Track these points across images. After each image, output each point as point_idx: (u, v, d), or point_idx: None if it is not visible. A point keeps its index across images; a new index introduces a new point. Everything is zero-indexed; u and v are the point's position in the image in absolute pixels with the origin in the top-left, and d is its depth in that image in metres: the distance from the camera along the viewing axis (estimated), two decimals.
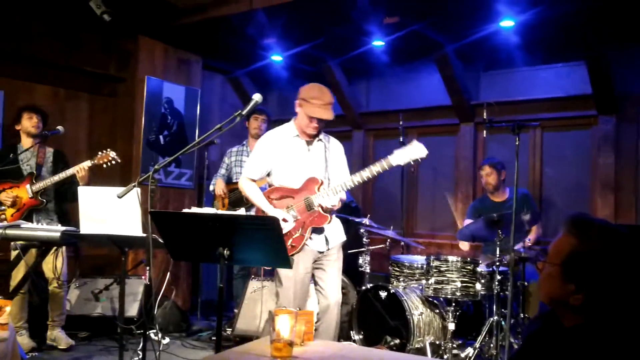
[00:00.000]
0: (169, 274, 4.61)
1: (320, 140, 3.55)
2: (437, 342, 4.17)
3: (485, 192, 5.14)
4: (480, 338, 4.08)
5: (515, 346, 4.01)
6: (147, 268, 2.84)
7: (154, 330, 4.31)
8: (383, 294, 4.31)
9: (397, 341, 4.17)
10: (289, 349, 2.03)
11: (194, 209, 3.83)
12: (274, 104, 7.38)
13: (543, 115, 5.56)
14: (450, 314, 4.09)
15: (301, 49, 5.85)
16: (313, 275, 3.55)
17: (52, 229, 3.49)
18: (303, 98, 3.38)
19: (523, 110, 5.64)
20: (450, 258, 4.14)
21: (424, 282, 4.23)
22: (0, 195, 4.31)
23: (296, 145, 3.50)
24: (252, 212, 3.86)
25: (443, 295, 4.12)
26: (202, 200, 6.23)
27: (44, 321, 4.50)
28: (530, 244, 4.36)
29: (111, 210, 3.28)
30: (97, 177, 4.70)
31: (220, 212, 4.13)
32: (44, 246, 3.63)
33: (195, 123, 6.23)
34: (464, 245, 5.07)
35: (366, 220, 4.81)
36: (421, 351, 4.08)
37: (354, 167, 6.60)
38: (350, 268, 4.93)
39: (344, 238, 3.63)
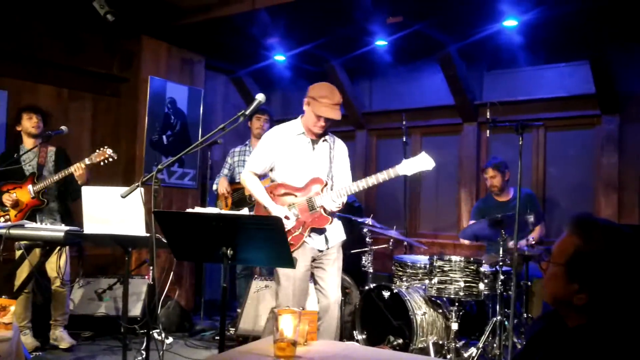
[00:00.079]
0: (172, 273, 4.61)
1: (326, 140, 3.55)
2: (440, 342, 4.17)
3: (490, 192, 5.14)
4: (483, 338, 4.08)
5: (519, 346, 4.00)
6: (151, 268, 2.84)
7: (157, 330, 4.31)
8: (386, 294, 4.31)
9: (400, 341, 4.17)
10: (293, 349, 2.03)
11: (198, 209, 3.83)
12: (277, 103, 7.39)
13: (546, 115, 5.56)
14: (454, 314, 4.09)
15: (304, 49, 5.85)
16: (313, 274, 3.55)
17: (55, 229, 3.50)
18: (312, 97, 3.38)
19: (526, 110, 5.63)
20: (454, 258, 4.14)
21: (427, 282, 4.22)
22: (2, 196, 4.32)
23: (301, 143, 3.50)
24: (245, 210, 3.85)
25: (446, 295, 4.11)
26: (206, 200, 6.24)
27: (47, 321, 4.51)
28: (533, 242, 4.35)
29: (115, 210, 3.28)
30: (101, 177, 4.72)
31: (223, 211, 4.13)
32: (48, 246, 3.64)
33: (199, 123, 6.23)
34: (465, 240, 5.05)
35: (369, 220, 4.81)
36: (424, 351, 4.07)
37: (357, 167, 6.70)
38: (353, 268, 4.93)
39: (343, 237, 3.63)
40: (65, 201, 4.56)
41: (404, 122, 5.55)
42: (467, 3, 4.68)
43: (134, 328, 4.26)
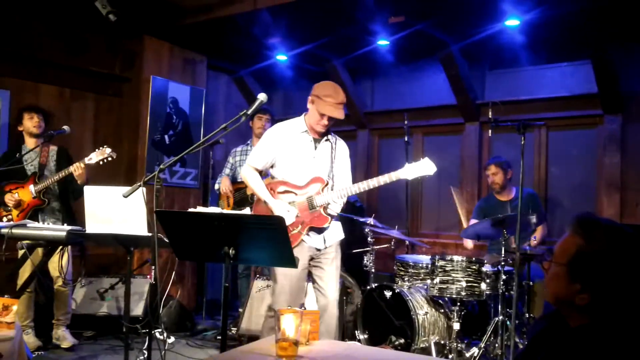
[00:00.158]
0: (174, 273, 4.62)
1: (328, 140, 3.55)
2: (442, 342, 4.17)
3: (491, 191, 5.13)
4: (485, 338, 4.08)
5: (521, 346, 4.00)
6: (153, 267, 2.84)
7: (159, 330, 4.32)
8: (388, 294, 4.31)
9: (402, 341, 4.17)
10: (295, 349, 2.02)
11: (200, 209, 3.84)
12: (278, 103, 7.39)
13: (548, 115, 5.55)
14: (455, 314, 4.08)
15: (306, 49, 5.85)
16: (311, 274, 3.55)
17: (58, 229, 3.51)
18: (316, 95, 3.38)
19: (528, 110, 5.63)
20: (455, 258, 4.14)
21: (428, 281, 4.22)
22: (5, 196, 4.33)
23: (303, 141, 3.50)
24: (247, 210, 3.86)
25: (448, 295, 4.11)
26: (208, 200, 6.25)
27: (50, 320, 4.52)
28: (536, 243, 4.34)
29: (117, 210, 3.29)
30: (103, 176, 4.72)
31: (225, 211, 4.14)
32: (50, 245, 3.64)
33: (200, 123, 6.24)
34: (468, 243, 5.05)
35: (371, 220, 4.81)
36: (426, 351, 4.07)
37: (358, 167, 6.70)
38: (355, 268, 4.93)
39: (342, 236, 3.62)
40: (67, 201, 4.57)
41: (405, 122, 5.55)
42: (469, 3, 4.67)
43: (136, 327, 4.26)
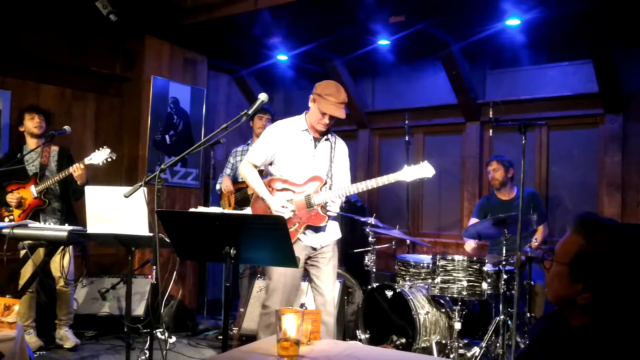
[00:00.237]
0: (175, 273, 4.62)
1: (328, 139, 3.54)
2: (444, 342, 4.17)
3: (492, 190, 5.13)
4: (486, 337, 4.08)
5: (522, 345, 4.00)
6: (154, 267, 2.84)
7: (161, 330, 4.32)
8: (389, 293, 4.31)
9: (403, 340, 4.17)
10: (296, 348, 2.02)
11: (201, 208, 3.84)
12: (279, 103, 7.39)
13: (549, 114, 5.55)
14: (457, 313, 4.08)
15: (306, 49, 5.85)
16: (308, 273, 3.54)
17: (59, 229, 3.51)
18: (318, 94, 3.37)
19: (529, 109, 5.63)
20: (457, 257, 4.14)
21: (430, 281, 4.22)
22: (6, 196, 4.34)
23: (303, 139, 3.49)
24: (248, 210, 3.85)
25: (449, 295, 4.11)
26: (209, 200, 6.25)
27: (51, 320, 4.53)
28: (537, 244, 4.34)
29: (118, 210, 3.29)
30: (104, 177, 4.73)
31: (226, 211, 4.14)
32: (52, 245, 3.64)
33: (201, 122, 6.24)
34: (469, 246, 5.04)
35: (372, 220, 4.81)
36: (427, 350, 4.07)
37: (359, 166, 6.70)
38: (356, 267, 4.93)
39: (339, 235, 3.62)
40: (68, 201, 4.57)
41: (406, 122, 5.55)
42: (470, 2, 4.67)
43: (137, 327, 4.27)
